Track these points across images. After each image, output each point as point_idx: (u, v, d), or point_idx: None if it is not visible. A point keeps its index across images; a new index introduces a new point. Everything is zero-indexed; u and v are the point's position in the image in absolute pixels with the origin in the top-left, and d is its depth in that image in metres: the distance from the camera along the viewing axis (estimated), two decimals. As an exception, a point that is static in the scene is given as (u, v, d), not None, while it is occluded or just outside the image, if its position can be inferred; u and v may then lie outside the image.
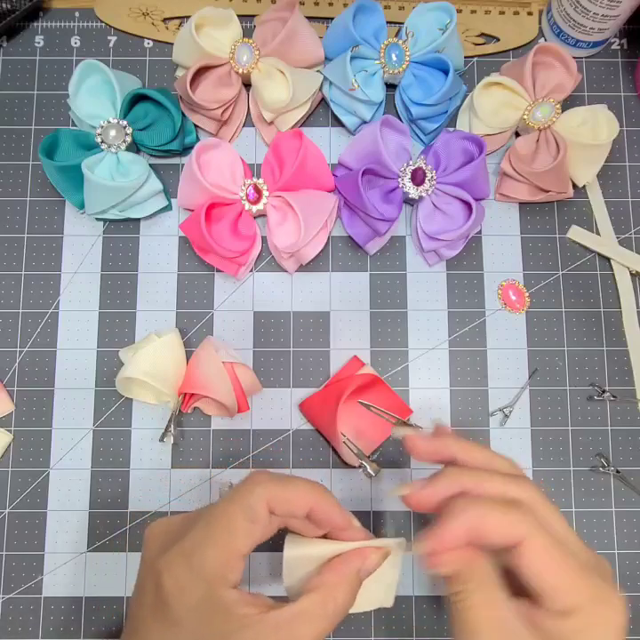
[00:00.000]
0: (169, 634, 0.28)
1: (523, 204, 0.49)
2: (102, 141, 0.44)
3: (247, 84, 0.48)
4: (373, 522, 0.45)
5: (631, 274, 0.47)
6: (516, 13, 0.51)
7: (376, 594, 0.37)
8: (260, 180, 0.45)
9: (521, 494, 0.28)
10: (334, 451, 0.45)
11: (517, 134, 0.49)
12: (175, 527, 0.30)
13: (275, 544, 0.34)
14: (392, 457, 0.46)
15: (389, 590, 0.38)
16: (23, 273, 0.47)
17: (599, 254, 0.48)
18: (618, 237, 0.48)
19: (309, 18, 0.48)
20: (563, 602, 0.27)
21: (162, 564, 0.28)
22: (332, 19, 0.47)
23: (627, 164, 0.49)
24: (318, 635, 0.28)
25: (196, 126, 0.48)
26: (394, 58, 0.46)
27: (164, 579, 0.28)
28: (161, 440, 0.44)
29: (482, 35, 0.50)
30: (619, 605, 0.27)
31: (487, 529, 0.27)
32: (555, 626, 0.27)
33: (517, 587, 0.28)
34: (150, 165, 0.46)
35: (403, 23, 0.47)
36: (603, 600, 0.27)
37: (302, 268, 0.47)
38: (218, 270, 0.47)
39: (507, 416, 0.46)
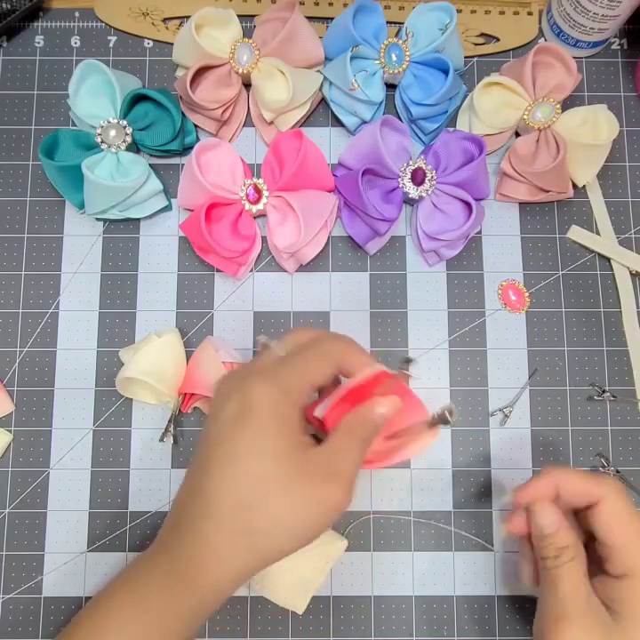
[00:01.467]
0: (249, 435, 0.30)
1: (523, 204, 0.49)
2: (102, 141, 0.44)
3: (247, 84, 0.48)
4: (373, 521, 0.45)
5: (631, 274, 0.47)
6: (516, 13, 0.51)
7: (290, 585, 0.41)
8: (260, 180, 0.45)
9: (603, 490, 0.34)
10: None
11: (517, 134, 0.49)
12: (249, 368, 0.34)
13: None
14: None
15: (303, 591, 0.40)
16: (23, 273, 0.47)
17: (599, 254, 0.48)
18: (618, 237, 0.48)
19: (309, 18, 0.48)
20: (625, 562, 0.32)
21: (254, 380, 0.31)
22: (332, 19, 0.47)
23: (627, 164, 0.49)
24: (355, 465, 0.32)
25: (195, 126, 0.48)
26: (394, 58, 0.46)
27: (255, 388, 0.31)
28: (161, 440, 0.44)
29: (482, 35, 0.50)
30: None
31: (571, 486, 0.34)
32: (612, 589, 0.33)
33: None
34: (150, 165, 0.46)
35: (403, 23, 0.47)
36: None
37: (302, 268, 0.47)
38: (218, 270, 0.47)
39: (507, 416, 0.46)
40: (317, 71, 0.48)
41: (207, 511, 0.30)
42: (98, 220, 0.48)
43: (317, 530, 0.31)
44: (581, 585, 0.33)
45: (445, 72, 0.45)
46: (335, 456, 0.31)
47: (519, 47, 0.50)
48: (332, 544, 0.42)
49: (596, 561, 0.35)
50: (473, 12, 0.50)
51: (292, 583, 0.41)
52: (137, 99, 0.45)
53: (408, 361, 0.35)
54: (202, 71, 0.46)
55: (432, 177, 0.45)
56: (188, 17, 0.49)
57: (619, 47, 0.51)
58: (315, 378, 0.33)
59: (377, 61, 0.46)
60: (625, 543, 0.32)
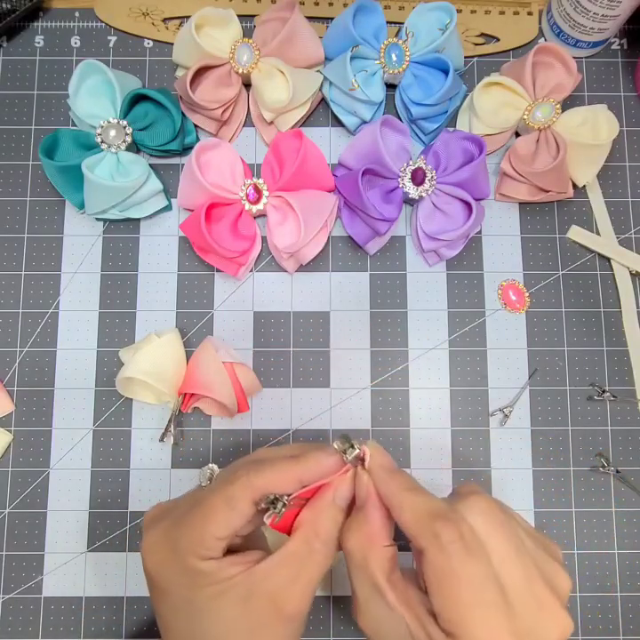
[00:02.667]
0: (165, 605, 0.29)
1: (523, 204, 0.49)
2: (102, 141, 0.44)
3: (247, 84, 0.48)
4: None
5: (631, 274, 0.47)
6: (516, 13, 0.51)
7: None
8: (260, 180, 0.45)
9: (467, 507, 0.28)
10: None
11: (517, 134, 0.49)
12: (166, 510, 0.32)
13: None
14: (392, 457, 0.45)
15: None
16: (23, 273, 0.47)
17: (599, 254, 0.48)
18: (618, 237, 0.48)
19: (309, 18, 0.48)
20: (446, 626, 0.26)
21: (144, 544, 0.30)
22: (332, 19, 0.47)
23: (627, 164, 0.49)
24: (312, 574, 0.28)
25: (195, 126, 0.48)
26: (394, 58, 0.46)
27: (146, 559, 0.29)
28: (161, 440, 0.44)
29: (482, 35, 0.50)
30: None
31: (401, 520, 0.28)
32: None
33: None
34: (150, 165, 0.46)
35: (403, 23, 0.47)
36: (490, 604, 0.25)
37: (302, 268, 0.47)
38: (218, 270, 0.47)
39: (507, 416, 0.46)
40: (317, 71, 0.48)
41: None
42: (98, 219, 0.48)
43: None
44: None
45: (445, 72, 0.45)
46: (284, 571, 0.28)
47: (519, 47, 0.50)
48: None
49: None
50: (473, 12, 0.50)
51: None
52: (137, 99, 0.45)
53: (347, 440, 0.31)
54: (202, 71, 0.46)
55: (432, 177, 0.45)
56: (187, 17, 0.49)
57: (619, 47, 0.51)
58: (218, 530, 0.28)
59: (377, 61, 0.46)
60: (444, 605, 0.26)
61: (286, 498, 0.29)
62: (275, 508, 0.29)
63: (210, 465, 0.33)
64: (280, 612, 0.28)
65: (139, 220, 0.48)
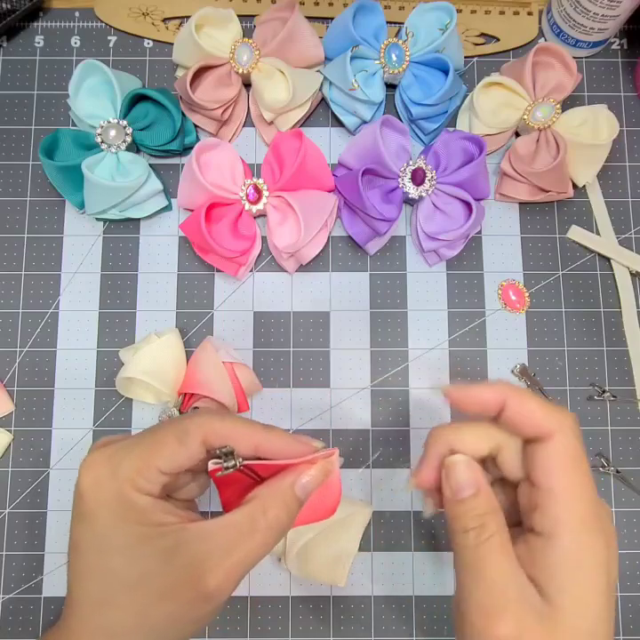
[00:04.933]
0: (84, 529, 0.27)
1: (523, 204, 0.49)
2: (102, 141, 0.44)
3: (247, 84, 0.48)
4: (373, 521, 0.45)
5: (631, 274, 0.47)
6: (516, 13, 0.51)
7: (326, 560, 0.39)
8: (260, 180, 0.45)
9: (559, 426, 0.28)
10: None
11: (517, 134, 0.49)
12: (116, 439, 0.30)
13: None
14: (392, 456, 0.46)
15: (340, 563, 0.40)
16: (23, 273, 0.47)
17: (599, 254, 0.48)
18: (618, 237, 0.48)
19: (309, 18, 0.48)
20: (558, 513, 0.26)
21: (84, 463, 0.28)
22: (332, 19, 0.47)
23: (627, 164, 0.49)
24: (248, 551, 0.27)
25: (195, 126, 0.48)
26: (394, 58, 0.46)
27: (82, 474, 0.28)
28: (161, 440, 0.44)
29: (482, 35, 0.50)
30: (610, 540, 0.26)
31: (524, 410, 0.28)
32: (538, 555, 0.26)
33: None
34: (150, 165, 0.46)
35: (403, 23, 0.47)
36: (595, 530, 0.26)
37: (302, 268, 0.47)
38: (218, 270, 0.47)
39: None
40: (317, 71, 0.48)
41: (70, 607, 0.28)
42: (98, 219, 0.48)
43: (185, 627, 0.27)
44: (511, 567, 0.26)
45: (445, 72, 0.45)
46: (219, 539, 0.27)
47: (519, 47, 0.50)
48: (359, 512, 0.42)
49: (513, 517, 0.29)
50: (473, 12, 0.50)
51: (328, 558, 0.41)
52: (137, 99, 0.45)
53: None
54: (202, 71, 0.46)
55: (432, 177, 0.45)
56: (188, 17, 0.49)
57: (619, 47, 0.51)
58: (164, 462, 0.27)
59: (377, 61, 0.46)
60: (565, 488, 0.26)
61: (241, 460, 0.28)
62: (225, 462, 0.27)
63: (169, 410, 0.32)
64: (199, 582, 0.26)
65: (139, 220, 0.48)
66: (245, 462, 0.28)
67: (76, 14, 0.51)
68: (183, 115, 0.47)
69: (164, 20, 0.50)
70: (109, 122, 0.45)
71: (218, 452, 0.28)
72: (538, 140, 0.46)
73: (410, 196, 0.45)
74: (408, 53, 0.46)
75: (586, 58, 0.50)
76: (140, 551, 0.26)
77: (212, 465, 0.28)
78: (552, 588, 0.25)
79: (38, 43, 0.50)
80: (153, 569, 0.26)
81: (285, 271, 0.47)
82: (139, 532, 0.27)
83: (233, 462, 0.27)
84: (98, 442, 0.30)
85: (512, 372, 0.46)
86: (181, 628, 0.27)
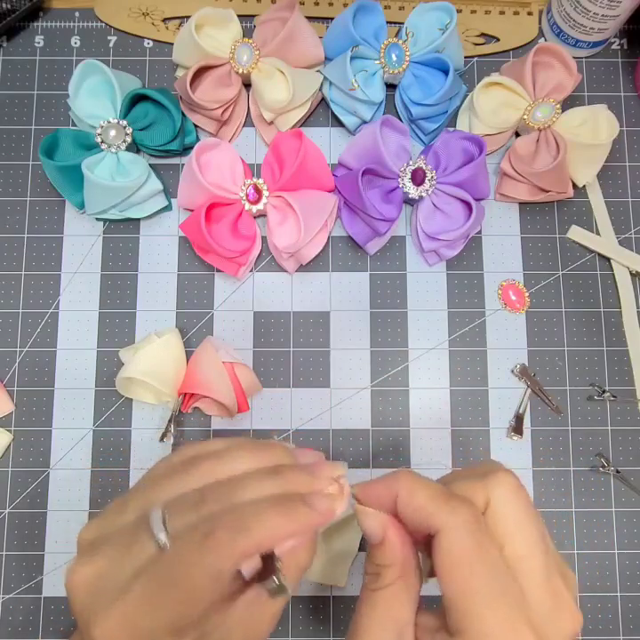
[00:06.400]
0: None
1: (523, 204, 0.49)
2: (102, 141, 0.44)
3: (247, 84, 0.48)
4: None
5: (631, 274, 0.47)
6: (516, 13, 0.51)
7: (326, 560, 0.39)
8: (260, 180, 0.45)
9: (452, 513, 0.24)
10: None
11: (517, 134, 0.49)
12: (100, 574, 0.25)
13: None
14: (392, 457, 0.46)
15: (340, 563, 0.40)
16: (23, 273, 0.47)
17: (599, 254, 0.48)
18: (618, 237, 0.48)
19: (309, 18, 0.48)
20: (457, 618, 0.23)
21: (97, 633, 0.23)
22: (332, 19, 0.47)
23: (627, 164, 0.49)
24: (287, 600, 0.26)
25: (195, 126, 0.48)
26: (394, 58, 0.45)
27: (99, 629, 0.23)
28: (161, 440, 0.44)
29: (482, 35, 0.50)
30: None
31: (414, 500, 0.25)
32: None
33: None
34: (150, 165, 0.46)
35: (403, 23, 0.47)
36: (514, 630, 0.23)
37: (302, 268, 0.47)
38: (218, 270, 0.47)
39: (514, 425, 0.46)
40: (317, 71, 0.48)
41: None
42: (98, 219, 0.48)
43: None
44: (382, 626, 0.25)
45: (445, 72, 0.45)
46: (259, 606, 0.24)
47: (519, 47, 0.50)
48: None
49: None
50: (473, 12, 0.50)
51: (329, 559, 0.41)
52: (137, 99, 0.45)
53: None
54: (202, 71, 0.46)
55: (432, 177, 0.45)
56: (187, 17, 0.49)
57: (619, 47, 0.51)
58: (204, 605, 0.23)
59: (377, 61, 0.46)
60: (457, 593, 0.23)
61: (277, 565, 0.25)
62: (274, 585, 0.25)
63: (155, 511, 0.24)
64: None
65: (139, 220, 0.48)
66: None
67: (76, 14, 0.51)
68: (183, 115, 0.47)
69: (164, 20, 0.50)
70: (109, 122, 0.45)
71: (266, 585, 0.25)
72: (538, 140, 0.46)
73: (410, 196, 0.45)
74: (408, 53, 0.46)
75: (586, 58, 0.50)
76: None
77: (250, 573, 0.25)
78: None
79: (38, 43, 0.50)
80: None
81: (285, 271, 0.47)
82: None
83: (280, 583, 0.25)
84: (72, 577, 0.26)
85: (512, 371, 0.46)
86: None
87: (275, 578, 0.24)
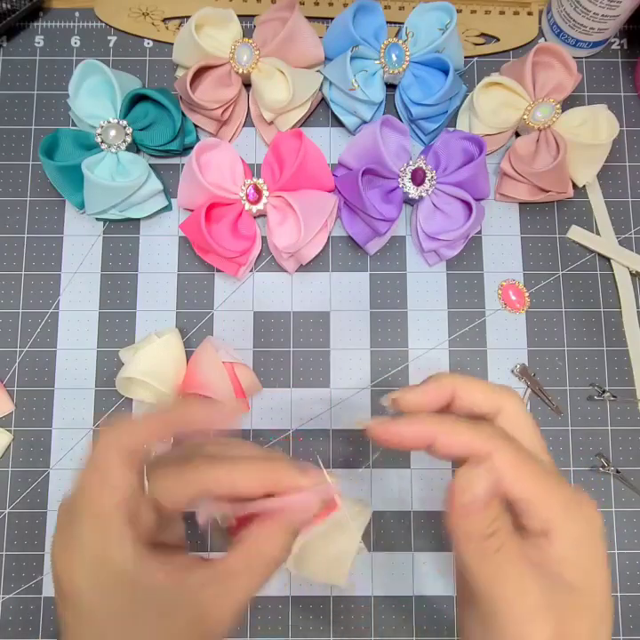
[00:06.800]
0: (81, 619, 0.25)
1: (523, 204, 0.49)
2: (102, 141, 0.44)
3: (247, 84, 0.48)
4: (373, 521, 0.45)
5: (631, 274, 0.47)
6: (516, 13, 0.51)
7: (326, 560, 0.39)
8: (260, 180, 0.45)
9: (503, 401, 0.28)
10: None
11: (517, 134, 0.49)
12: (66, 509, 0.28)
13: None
14: (392, 456, 0.46)
15: (340, 563, 0.40)
16: (23, 273, 0.47)
17: (599, 254, 0.48)
18: (618, 237, 0.48)
19: (309, 18, 0.48)
20: (538, 516, 0.25)
21: (51, 557, 0.26)
22: (332, 19, 0.47)
23: (627, 164, 0.49)
24: (247, 593, 0.26)
25: (195, 126, 0.48)
26: (394, 58, 0.46)
27: (54, 570, 0.26)
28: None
29: (482, 35, 0.50)
30: (591, 512, 0.26)
31: (474, 396, 0.28)
32: (540, 553, 0.25)
33: None
34: (150, 165, 0.46)
35: (403, 23, 0.47)
36: (575, 509, 0.26)
37: (302, 268, 0.47)
38: (218, 270, 0.47)
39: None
40: (317, 71, 0.48)
41: None
42: (98, 219, 0.48)
43: None
44: (531, 573, 0.25)
45: (445, 72, 0.45)
46: (216, 587, 0.25)
47: (519, 47, 0.50)
48: (359, 512, 0.42)
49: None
50: (473, 12, 0.50)
51: (328, 559, 0.41)
52: (137, 99, 0.45)
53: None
54: (202, 71, 0.46)
55: (432, 177, 0.45)
56: (187, 17, 0.49)
57: (619, 47, 0.51)
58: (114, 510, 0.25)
59: (377, 61, 0.46)
60: (528, 499, 0.25)
61: (231, 515, 0.26)
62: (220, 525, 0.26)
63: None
64: (204, 629, 0.25)
65: (139, 220, 0.48)
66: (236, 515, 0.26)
67: (76, 14, 0.51)
68: (183, 115, 0.47)
69: (164, 19, 0.50)
70: (109, 122, 0.45)
71: (215, 517, 0.26)
72: (538, 140, 0.46)
73: (410, 196, 0.45)
74: (408, 53, 0.46)
75: (586, 58, 0.50)
76: (135, 621, 0.25)
77: (203, 516, 0.26)
78: (564, 581, 0.25)
79: (38, 43, 0.50)
80: (153, 631, 0.25)
81: (285, 271, 0.47)
82: (131, 599, 0.25)
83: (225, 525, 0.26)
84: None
85: (512, 371, 0.46)
86: None
87: (218, 518, 0.25)
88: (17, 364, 0.46)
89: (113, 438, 0.26)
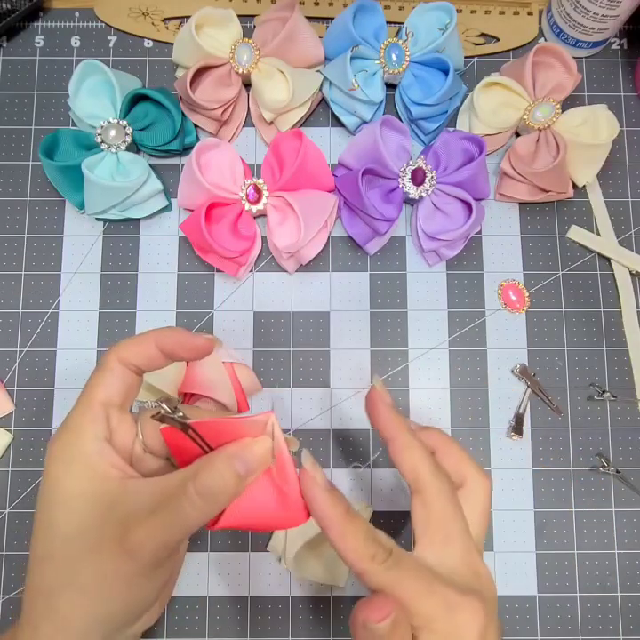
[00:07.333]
0: (43, 486, 0.28)
1: (523, 204, 0.49)
2: (102, 141, 0.44)
3: (247, 84, 0.48)
4: (373, 521, 0.45)
5: (631, 274, 0.47)
6: (516, 13, 0.51)
7: (326, 560, 0.40)
8: (260, 180, 0.45)
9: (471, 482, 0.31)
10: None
11: (517, 134, 0.49)
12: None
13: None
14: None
15: (340, 563, 0.40)
16: (23, 273, 0.47)
17: (599, 254, 0.48)
18: (618, 237, 0.48)
19: (309, 18, 0.48)
20: (418, 615, 0.26)
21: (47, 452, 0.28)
22: (332, 19, 0.47)
23: (627, 164, 0.49)
24: (173, 514, 0.25)
25: (195, 126, 0.48)
26: (394, 58, 0.46)
27: (46, 462, 0.28)
28: (161, 440, 0.44)
29: (482, 35, 0.50)
30: (469, 611, 0.26)
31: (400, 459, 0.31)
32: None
33: None
34: (150, 165, 0.46)
35: (403, 23, 0.47)
36: (454, 608, 0.26)
37: (302, 268, 0.47)
38: (218, 270, 0.47)
39: (513, 425, 0.46)
40: (317, 71, 0.48)
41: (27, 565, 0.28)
42: (98, 219, 0.48)
43: (113, 587, 0.26)
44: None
45: (445, 72, 0.45)
46: (147, 498, 0.26)
47: (519, 47, 0.50)
48: (359, 512, 0.42)
49: None
50: (473, 12, 0.50)
51: (328, 558, 0.42)
52: (137, 99, 0.45)
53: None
54: (202, 71, 0.46)
55: (432, 177, 0.45)
56: (188, 17, 0.49)
57: (619, 47, 0.51)
58: (99, 394, 0.29)
59: (377, 61, 0.46)
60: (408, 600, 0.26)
61: (182, 414, 0.26)
62: (163, 410, 0.26)
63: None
64: (123, 537, 0.25)
65: (139, 220, 0.48)
66: (189, 421, 0.27)
67: (76, 14, 0.51)
68: (183, 115, 0.47)
69: (164, 19, 0.50)
70: (109, 122, 0.45)
71: (157, 404, 0.27)
72: (538, 140, 0.46)
73: (410, 195, 0.45)
74: (408, 53, 0.46)
75: (586, 58, 0.50)
76: (81, 504, 0.27)
77: (154, 415, 0.27)
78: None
79: (38, 43, 0.50)
80: (89, 523, 0.26)
81: (285, 271, 0.47)
82: (87, 480, 0.27)
83: (176, 413, 0.26)
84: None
85: (512, 371, 0.46)
86: (109, 587, 0.26)
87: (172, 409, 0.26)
88: (17, 363, 0.46)
89: (115, 348, 0.30)
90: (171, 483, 0.26)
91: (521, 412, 0.46)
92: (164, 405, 0.26)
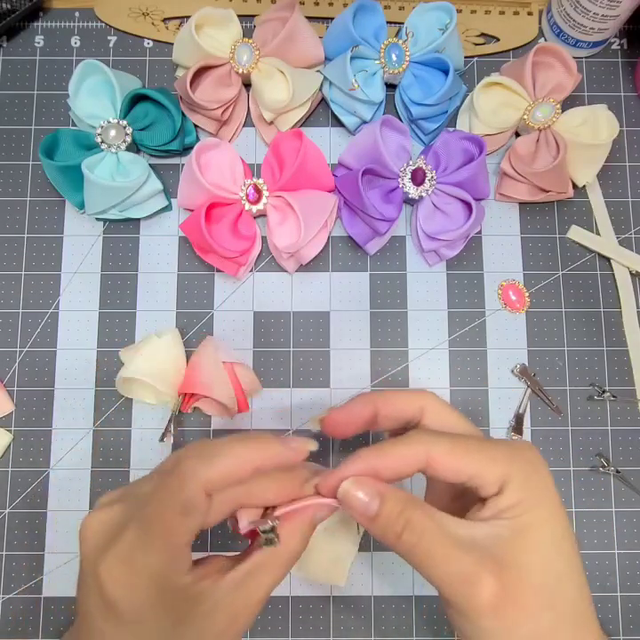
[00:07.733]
0: (126, 632, 0.26)
1: (523, 204, 0.49)
2: (102, 141, 0.44)
3: (247, 84, 0.48)
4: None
5: (631, 274, 0.47)
6: (516, 13, 0.51)
7: (326, 560, 0.40)
8: (260, 180, 0.45)
9: (423, 401, 0.30)
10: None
11: (517, 134, 0.49)
12: (111, 521, 0.28)
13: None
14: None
15: (340, 563, 0.40)
16: (23, 273, 0.47)
17: (599, 254, 0.48)
18: (618, 237, 0.48)
19: (309, 18, 0.48)
20: (487, 478, 0.27)
21: (102, 571, 0.26)
22: (332, 19, 0.47)
23: (627, 164, 0.49)
24: (275, 583, 0.28)
25: (195, 126, 0.48)
26: (394, 58, 0.46)
27: (107, 585, 0.26)
28: (161, 440, 0.44)
29: (482, 35, 0.50)
30: (530, 453, 0.28)
31: (392, 406, 0.30)
32: (493, 511, 0.27)
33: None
34: (150, 165, 0.46)
35: (403, 23, 0.47)
36: (518, 456, 0.27)
37: (302, 268, 0.47)
38: (218, 270, 0.47)
39: (514, 425, 0.46)
40: (317, 71, 0.48)
41: None
42: (98, 219, 0.48)
43: None
44: (457, 545, 0.26)
45: (445, 72, 0.45)
46: (250, 585, 0.27)
47: (519, 47, 0.50)
48: None
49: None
50: (473, 12, 0.50)
51: (329, 559, 0.42)
52: (137, 99, 0.45)
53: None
54: (202, 71, 0.46)
55: (432, 177, 0.45)
56: (188, 17, 0.49)
57: (619, 47, 0.51)
58: (185, 538, 0.26)
59: (377, 61, 0.46)
60: (473, 472, 0.27)
61: (277, 522, 0.27)
62: (266, 535, 0.27)
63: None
64: (237, 628, 0.27)
65: (139, 220, 0.48)
66: (275, 513, 0.28)
67: (76, 14, 0.51)
68: (183, 115, 0.47)
69: (164, 19, 0.50)
70: (109, 122, 0.45)
71: (259, 529, 0.27)
72: (538, 140, 0.46)
73: (410, 195, 0.45)
74: (408, 53, 0.46)
75: (586, 58, 0.50)
76: (182, 632, 0.26)
77: (246, 526, 0.28)
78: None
79: (38, 43, 0.50)
80: (198, 633, 0.26)
81: (285, 271, 0.47)
82: (182, 614, 0.26)
83: (272, 535, 0.27)
84: (87, 522, 0.28)
85: (512, 371, 0.46)
86: None
87: (269, 523, 0.27)
88: (17, 363, 0.46)
89: (196, 476, 0.26)
90: (264, 562, 0.28)
91: (521, 411, 0.46)
92: (261, 527, 0.27)
